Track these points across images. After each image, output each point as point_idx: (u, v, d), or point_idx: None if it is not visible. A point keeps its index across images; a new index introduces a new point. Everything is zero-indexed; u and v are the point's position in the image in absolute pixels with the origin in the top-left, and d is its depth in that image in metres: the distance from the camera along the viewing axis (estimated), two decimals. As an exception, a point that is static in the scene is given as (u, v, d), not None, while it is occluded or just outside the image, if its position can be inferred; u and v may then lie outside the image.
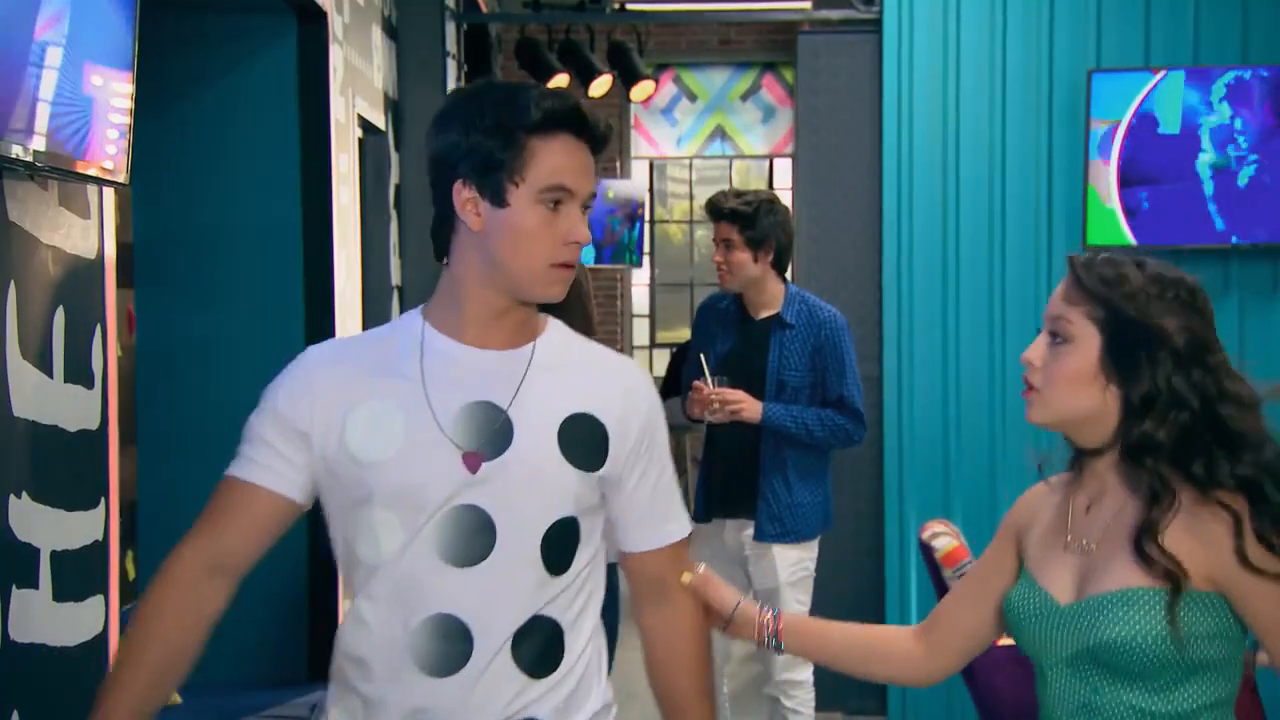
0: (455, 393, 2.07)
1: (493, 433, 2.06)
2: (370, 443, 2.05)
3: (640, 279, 11.49)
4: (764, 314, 4.51)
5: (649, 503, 2.26)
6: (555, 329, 2.20)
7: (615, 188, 9.65)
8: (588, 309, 4.05)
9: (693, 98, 11.31)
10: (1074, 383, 2.05)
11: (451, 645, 2.06)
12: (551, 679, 2.14)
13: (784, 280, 4.55)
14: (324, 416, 2.06)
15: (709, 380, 4.39)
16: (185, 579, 2.07)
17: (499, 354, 2.11)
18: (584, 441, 2.13)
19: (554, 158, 2.04)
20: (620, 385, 2.20)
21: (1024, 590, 2.12)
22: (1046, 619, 2.07)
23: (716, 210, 4.49)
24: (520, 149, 2.02)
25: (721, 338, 4.55)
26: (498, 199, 2.04)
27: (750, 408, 4.37)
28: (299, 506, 2.11)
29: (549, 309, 4.30)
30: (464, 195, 2.05)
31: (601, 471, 2.16)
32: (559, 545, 2.13)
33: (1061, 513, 2.13)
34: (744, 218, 4.42)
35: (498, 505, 2.06)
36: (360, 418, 2.06)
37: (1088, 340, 2.04)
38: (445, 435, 2.05)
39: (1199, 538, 1.96)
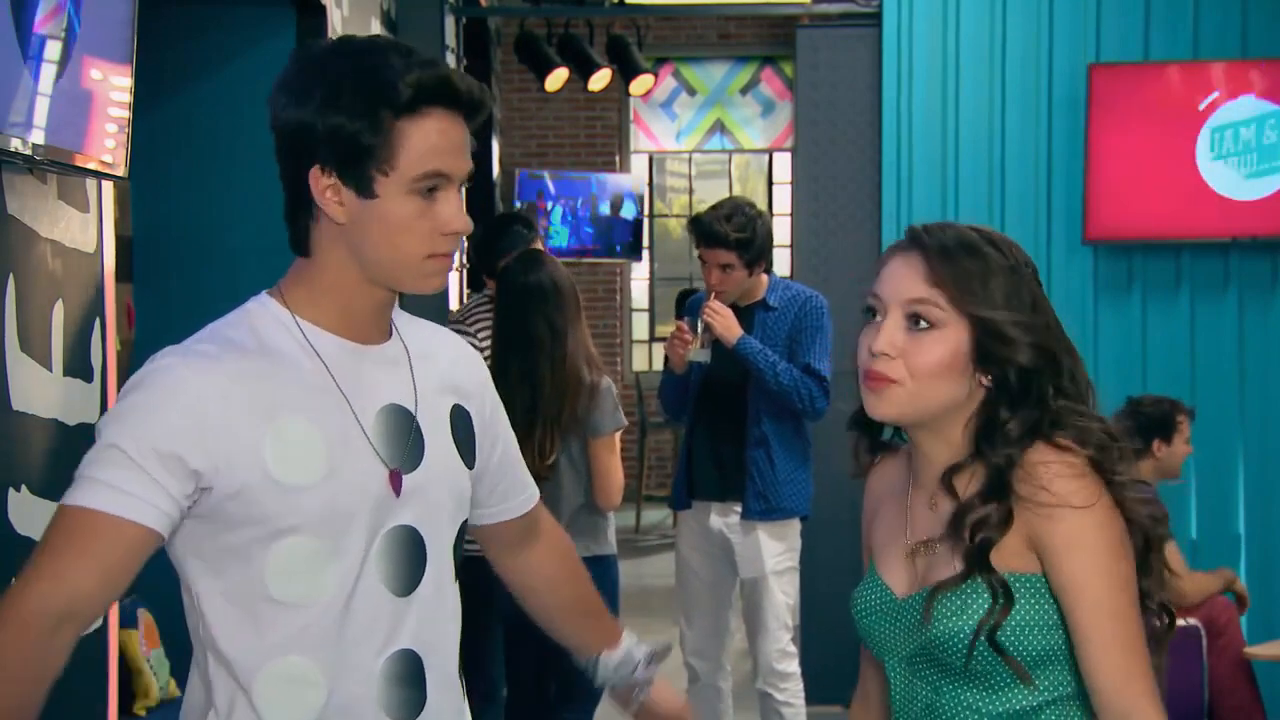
0: (368, 396, 1.84)
1: (408, 441, 1.86)
2: (298, 463, 1.77)
3: (639, 273, 11.50)
4: (748, 302, 4.57)
5: (511, 470, 2.10)
6: (398, 315, 1.97)
7: (612, 182, 9.64)
8: (579, 304, 4.08)
9: (692, 91, 11.31)
10: (945, 371, 1.84)
11: (410, 688, 1.86)
12: (464, 703, 1.99)
13: (766, 270, 4.60)
14: (227, 449, 1.74)
15: (700, 325, 4.42)
16: (28, 632, 1.68)
17: (381, 349, 1.88)
18: (466, 436, 1.97)
19: (427, 139, 1.76)
20: (466, 360, 2.03)
21: (867, 584, 1.96)
22: (885, 614, 1.91)
23: (716, 237, 4.44)
24: (388, 134, 1.74)
25: (707, 326, 4.58)
26: (364, 189, 1.76)
27: (727, 323, 4.38)
28: (160, 541, 1.75)
29: (534, 308, 4.24)
30: (323, 183, 1.77)
31: (478, 464, 2.01)
32: (458, 553, 1.96)
33: (902, 505, 1.96)
34: (744, 244, 4.42)
35: (426, 523, 1.87)
36: (279, 437, 1.77)
37: (957, 328, 1.84)
38: (373, 447, 1.82)
39: (1019, 505, 1.80)
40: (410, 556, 1.85)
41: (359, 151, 1.75)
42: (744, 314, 4.55)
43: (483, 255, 4.83)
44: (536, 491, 2.17)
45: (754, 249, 4.44)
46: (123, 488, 1.71)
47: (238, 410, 1.75)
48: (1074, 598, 1.78)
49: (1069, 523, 1.78)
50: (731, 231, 4.42)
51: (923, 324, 1.84)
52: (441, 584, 1.90)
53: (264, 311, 1.85)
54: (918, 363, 1.83)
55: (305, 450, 1.77)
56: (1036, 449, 1.82)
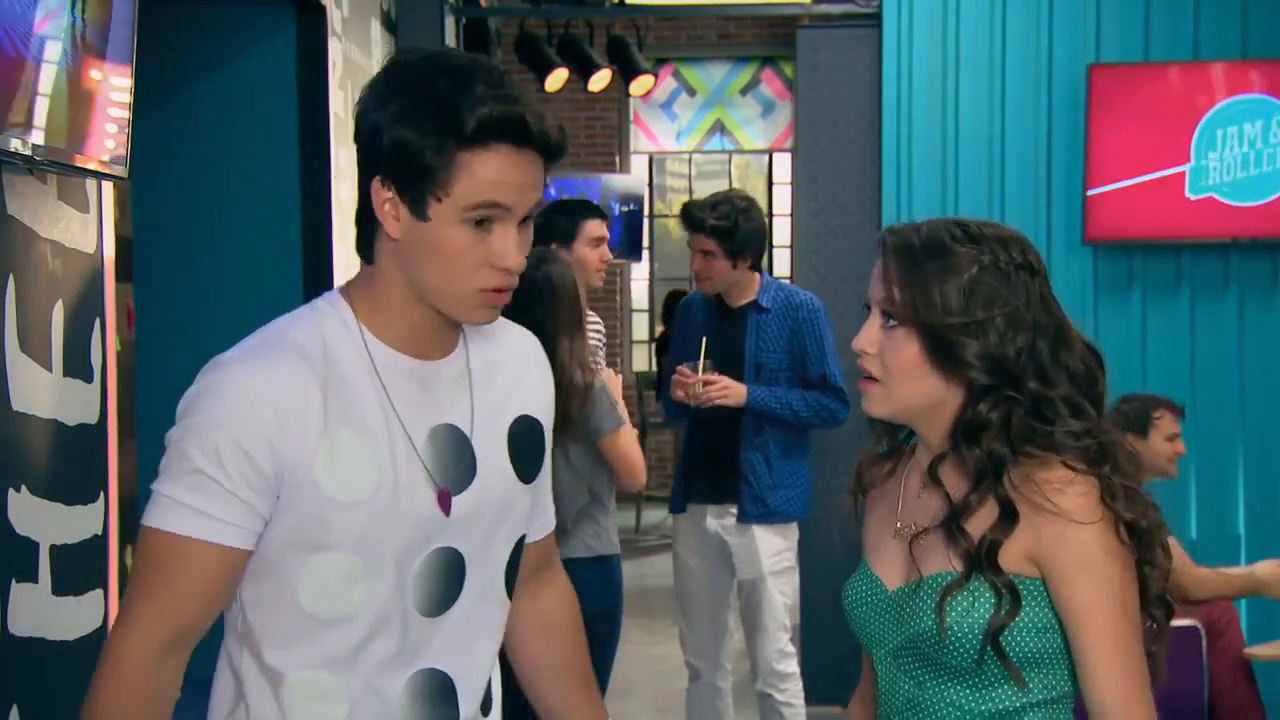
0: (422, 415, 1.78)
1: (460, 462, 1.80)
2: (347, 479, 1.72)
3: (639, 274, 11.50)
4: (741, 302, 4.58)
5: (544, 486, 1.99)
6: None
7: (615, 183, 9.63)
8: (578, 306, 4.07)
9: (692, 92, 11.31)
10: (915, 370, 1.86)
11: (439, 706, 1.81)
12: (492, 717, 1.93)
13: (759, 270, 4.61)
14: (293, 450, 1.70)
15: (700, 366, 4.43)
16: (144, 669, 1.71)
17: (440, 364, 1.82)
18: (528, 450, 1.90)
19: (488, 171, 1.68)
20: (537, 366, 1.96)
21: (858, 576, 1.97)
22: (874, 606, 1.92)
23: (695, 223, 4.50)
24: (449, 160, 1.68)
25: (701, 327, 4.60)
26: (418, 210, 1.70)
27: (734, 394, 4.41)
28: (250, 554, 1.75)
29: (525, 306, 4.25)
30: (383, 195, 1.72)
31: (540, 476, 1.93)
32: (514, 571, 1.91)
33: (895, 493, 1.97)
34: (723, 232, 4.45)
35: (470, 545, 1.82)
36: (334, 448, 1.72)
37: (910, 331, 1.87)
38: (425, 467, 1.77)
39: (1022, 512, 1.80)
40: (447, 579, 1.80)
41: (417, 171, 1.68)
42: (737, 315, 4.56)
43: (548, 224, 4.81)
44: (555, 517, 2.08)
45: (735, 240, 4.45)
46: (208, 511, 1.69)
47: (298, 416, 1.70)
48: (1080, 620, 1.79)
49: (1077, 542, 1.78)
50: (711, 218, 4.46)
51: (891, 322, 1.88)
52: (481, 603, 1.85)
53: (334, 314, 1.79)
54: (888, 361, 1.87)
55: (356, 466, 1.73)
56: (1037, 463, 1.82)
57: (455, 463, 1.80)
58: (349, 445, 1.72)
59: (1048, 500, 1.79)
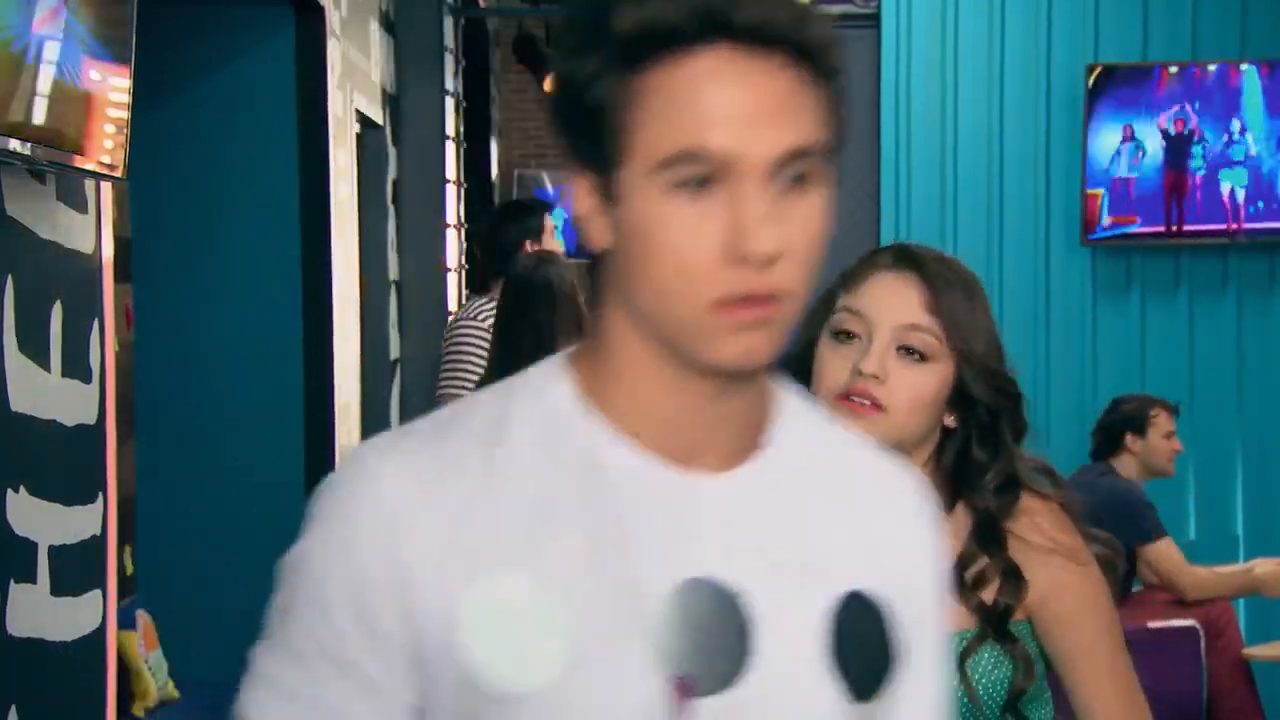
0: (669, 558, 1.09)
1: (725, 640, 1.09)
2: (511, 658, 1.07)
3: (638, 274, 11.49)
4: None
5: (914, 710, 1.20)
6: (789, 407, 1.16)
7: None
8: (578, 307, 4.06)
9: (691, 92, 11.31)
10: (930, 405, 1.73)
11: None
12: None
13: None
14: (424, 601, 1.07)
15: None
16: None
17: (717, 480, 1.11)
18: (866, 648, 1.15)
19: (683, 95, 1.02)
20: (914, 507, 1.21)
21: None
22: None
23: None
24: (620, 90, 1.03)
25: None
26: (605, 185, 1.06)
27: None
28: None
29: (526, 309, 4.17)
30: (580, 187, 1.08)
31: (892, 689, 1.16)
32: None
33: None
34: None
35: None
36: (490, 609, 1.07)
37: (946, 363, 1.73)
38: (650, 645, 1.08)
39: (1020, 561, 1.74)
40: None
41: (588, 121, 1.05)
42: None
43: (490, 249, 4.76)
44: None
45: None
46: (330, 705, 1.09)
47: (444, 548, 1.08)
48: (1081, 661, 1.77)
49: (1077, 589, 1.77)
50: None
51: (914, 353, 1.72)
52: None
53: (540, 398, 1.14)
54: (904, 393, 1.70)
55: (528, 634, 1.07)
56: (1025, 498, 1.78)
57: (714, 640, 1.09)
58: (519, 602, 1.07)
59: (1043, 535, 1.75)
